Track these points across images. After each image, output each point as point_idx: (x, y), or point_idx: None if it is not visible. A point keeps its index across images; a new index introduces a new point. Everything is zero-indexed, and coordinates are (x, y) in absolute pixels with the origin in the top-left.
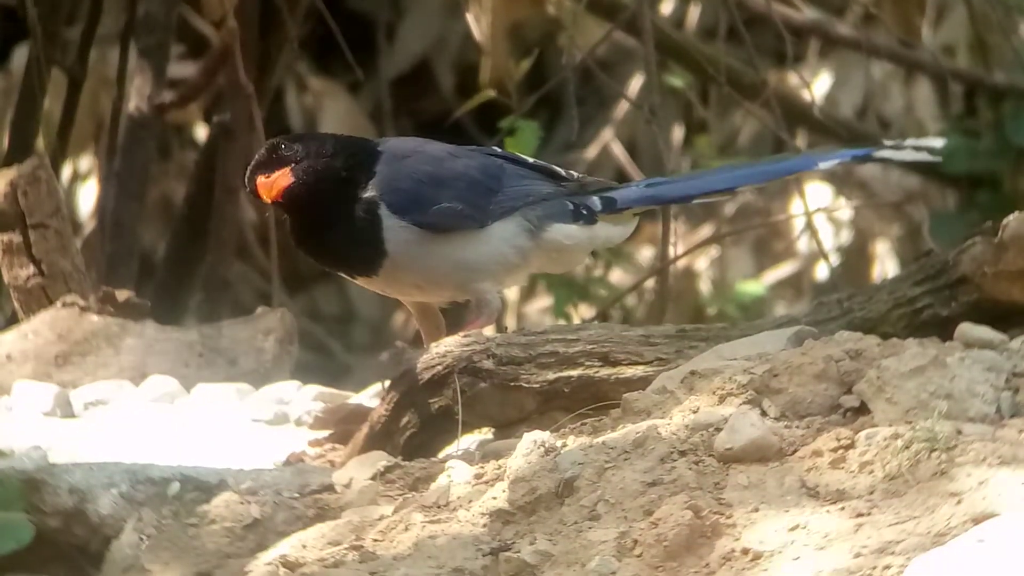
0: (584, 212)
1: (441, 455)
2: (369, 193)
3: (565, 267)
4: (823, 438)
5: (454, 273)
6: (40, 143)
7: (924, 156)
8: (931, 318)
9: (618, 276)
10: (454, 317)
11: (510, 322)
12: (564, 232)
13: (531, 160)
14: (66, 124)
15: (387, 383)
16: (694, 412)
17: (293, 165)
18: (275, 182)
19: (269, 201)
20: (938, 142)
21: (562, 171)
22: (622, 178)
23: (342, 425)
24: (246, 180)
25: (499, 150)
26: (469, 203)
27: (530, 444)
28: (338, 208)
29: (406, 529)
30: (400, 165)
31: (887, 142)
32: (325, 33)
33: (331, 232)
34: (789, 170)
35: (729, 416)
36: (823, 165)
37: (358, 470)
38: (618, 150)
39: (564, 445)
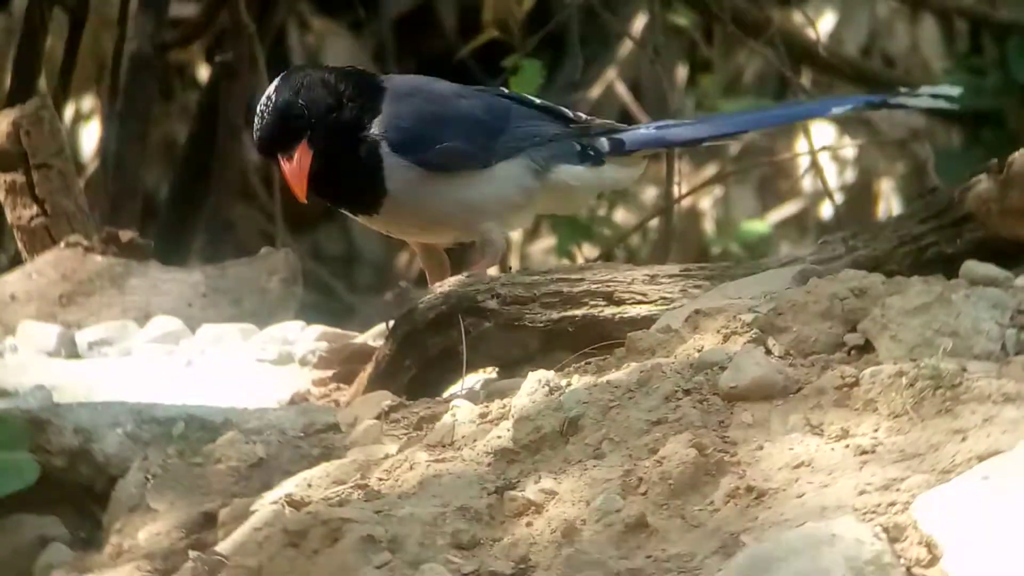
0: (591, 154)
1: (445, 395)
2: (372, 131)
3: (571, 209)
4: (827, 376)
5: (457, 213)
6: (42, 84)
7: (941, 103)
8: (936, 256)
9: (622, 216)
10: (459, 258)
11: (514, 262)
12: (571, 173)
13: (538, 101)
14: (68, 64)
15: (391, 323)
16: (699, 351)
17: (309, 134)
18: (300, 167)
19: (303, 193)
20: (955, 90)
21: (569, 112)
22: (626, 118)
23: (346, 365)
24: (258, 144)
25: (506, 91)
26: (473, 143)
27: (534, 383)
28: (342, 147)
29: (411, 468)
30: (403, 104)
31: (903, 89)
32: None
33: (333, 170)
34: (802, 115)
35: (734, 355)
36: (837, 110)
37: (363, 410)
38: (622, 90)
39: (568, 384)
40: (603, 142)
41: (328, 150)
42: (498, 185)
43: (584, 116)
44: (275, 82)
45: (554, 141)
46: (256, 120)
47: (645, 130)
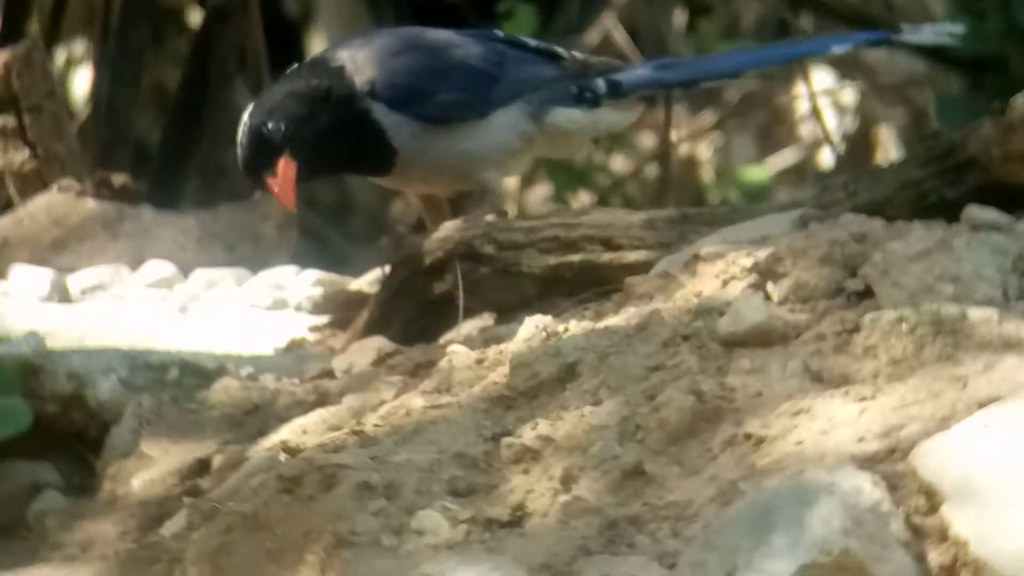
0: (588, 96)
1: (442, 340)
2: (365, 95)
3: (568, 152)
4: (827, 322)
5: (458, 164)
6: (33, 26)
7: (944, 39)
8: (937, 201)
9: (619, 163)
10: (457, 206)
11: (510, 210)
12: (567, 116)
13: (533, 43)
14: (59, 7)
15: (387, 268)
16: (697, 296)
17: (288, 148)
18: (284, 179)
19: (291, 203)
20: (957, 27)
21: (565, 53)
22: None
23: (342, 311)
24: (243, 172)
25: (500, 34)
26: (470, 92)
27: (532, 329)
28: (335, 130)
29: (407, 414)
30: (395, 60)
31: (905, 26)
32: None
33: (335, 150)
34: (802, 53)
35: (732, 300)
36: (836, 48)
37: (358, 355)
38: (619, 35)
39: (566, 330)
40: (600, 83)
41: (319, 145)
42: (496, 134)
43: (579, 55)
44: (249, 107)
45: (550, 85)
46: (237, 148)
47: (643, 70)
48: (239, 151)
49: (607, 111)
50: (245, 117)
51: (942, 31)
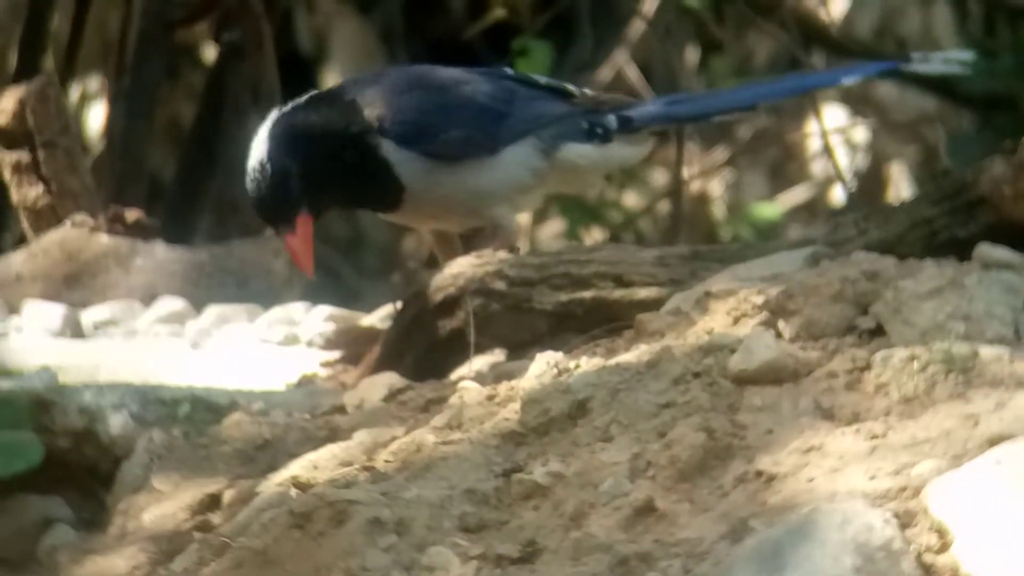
0: (599, 131)
1: (453, 376)
2: (374, 133)
3: (579, 188)
4: (838, 360)
5: (468, 201)
6: (48, 62)
7: (954, 68)
8: (949, 239)
9: (631, 199)
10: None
11: (523, 246)
12: (578, 152)
13: (543, 80)
14: (74, 43)
15: (399, 304)
16: (708, 333)
17: (307, 199)
18: (303, 241)
19: (310, 269)
20: (966, 54)
21: (575, 89)
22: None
23: (353, 346)
24: (256, 212)
25: (510, 71)
26: (479, 130)
27: (543, 365)
28: (346, 170)
29: (418, 450)
30: (403, 98)
31: (915, 55)
32: None
33: (344, 186)
34: (812, 85)
35: (744, 337)
36: (847, 80)
37: (370, 391)
38: (632, 71)
39: (577, 366)
40: (611, 119)
41: (331, 183)
42: (507, 170)
43: (590, 92)
44: (263, 139)
45: (561, 121)
46: (250, 185)
47: (654, 105)
48: (254, 194)
49: (618, 146)
50: (260, 154)
51: (952, 59)
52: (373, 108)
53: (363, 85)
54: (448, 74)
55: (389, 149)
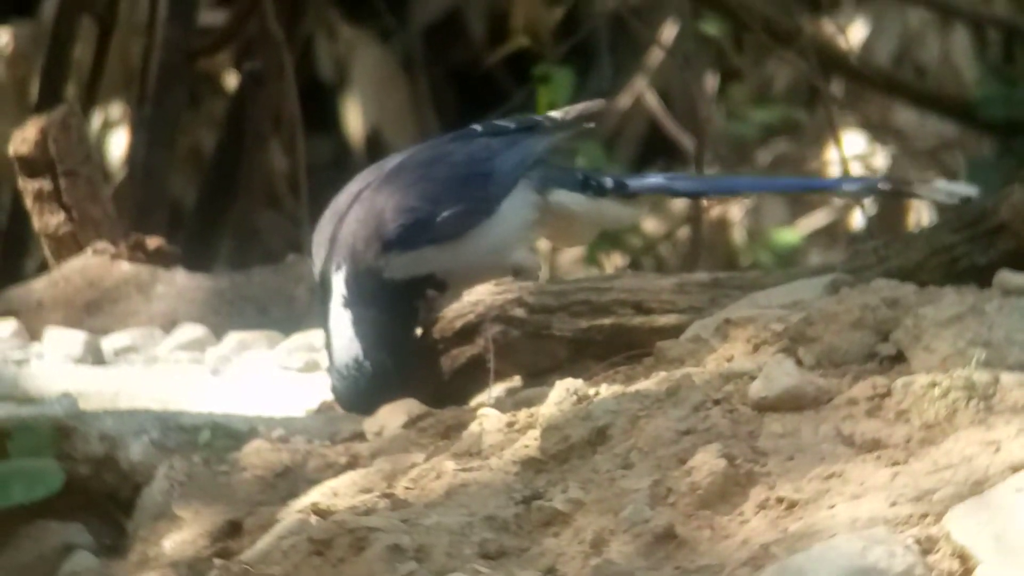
0: (592, 183)
1: (473, 403)
2: (376, 255)
3: (572, 238)
4: (859, 387)
5: (486, 261)
6: (70, 91)
7: (953, 200)
8: (969, 266)
9: (651, 225)
10: None
11: (542, 271)
12: (571, 198)
13: (512, 125)
14: (96, 72)
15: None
16: (728, 360)
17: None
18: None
19: None
20: (971, 189)
21: (541, 118)
22: (655, 128)
23: None
24: (345, 404)
25: (479, 128)
26: (469, 200)
27: (563, 392)
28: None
29: (438, 477)
30: (383, 213)
31: (916, 183)
32: None
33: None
34: (815, 187)
35: (764, 365)
36: (847, 187)
37: (389, 418)
38: (651, 99)
39: (597, 393)
40: (607, 179)
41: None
42: (509, 223)
43: (559, 114)
44: (348, 337)
45: (549, 164)
46: (346, 381)
47: (654, 179)
48: (351, 388)
49: (611, 203)
50: (355, 352)
51: (955, 192)
52: (371, 244)
53: (345, 213)
54: (414, 159)
55: (399, 264)
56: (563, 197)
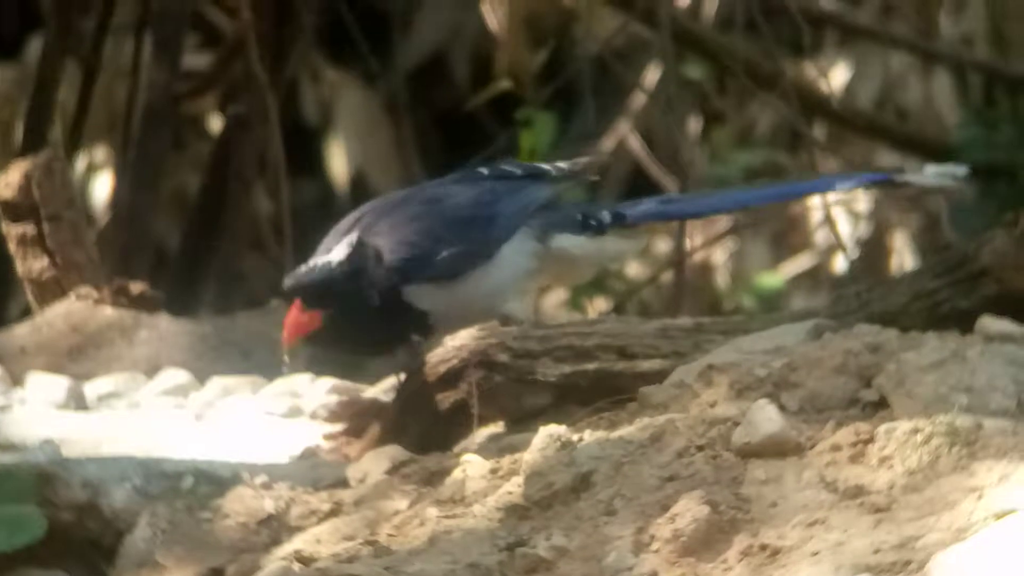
0: (593, 223)
1: (456, 449)
2: (376, 275)
3: (574, 279)
4: (842, 432)
5: (478, 306)
6: (55, 134)
7: (947, 181)
8: (951, 311)
9: (635, 269)
10: None
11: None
12: (572, 242)
13: (519, 171)
14: (81, 115)
15: (402, 376)
16: (711, 406)
17: (333, 306)
18: (304, 324)
19: (291, 343)
20: (961, 169)
21: (548, 167)
22: (639, 171)
23: (357, 419)
24: (289, 287)
25: (485, 170)
26: (470, 241)
27: (546, 438)
28: (359, 313)
29: (421, 524)
30: (391, 235)
31: (907, 170)
32: (340, 24)
33: (360, 333)
34: (808, 191)
35: (747, 410)
36: (841, 186)
37: (373, 464)
38: (634, 142)
39: (580, 439)
40: (605, 214)
41: (346, 319)
42: (508, 268)
43: (564, 165)
44: (347, 244)
45: (549, 208)
46: (306, 266)
47: (648, 204)
48: (304, 271)
49: (612, 240)
50: (340, 254)
51: (944, 173)
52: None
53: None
54: (424, 193)
55: (399, 286)
56: (564, 242)
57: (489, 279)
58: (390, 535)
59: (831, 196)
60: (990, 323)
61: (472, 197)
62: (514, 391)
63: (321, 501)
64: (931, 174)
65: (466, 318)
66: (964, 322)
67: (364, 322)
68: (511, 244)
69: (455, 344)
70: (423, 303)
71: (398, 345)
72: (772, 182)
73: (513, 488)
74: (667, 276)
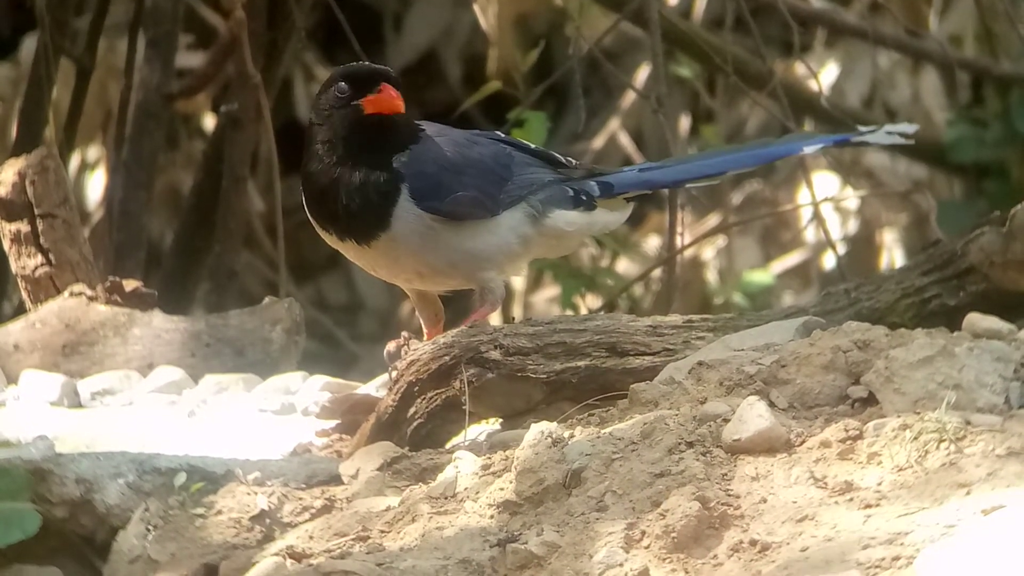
0: (584, 198)
1: (448, 446)
2: (397, 168)
3: (563, 252)
4: (831, 429)
5: (462, 263)
6: (49, 133)
7: (897, 140)
8: (939, 308)
9: (625, 266)
10: (456, 305)
11: (517, 312)
12: (565, 219)
13: (533, 146)
14: (74, 114)
15: (394, 373)
16: (702, 403)
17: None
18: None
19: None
20: (910, 128)
21: (562, 158)
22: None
23: (349, 415)
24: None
25: (503, 136)
26: (484, 192)
27: (537, 435)
28: (361, 169)
29: (413, 520)
30: (430, 148)
31: (861, 128)
32: (333, 23)
33: (341, 189)
34: (776, 155)
35: (737, 407)
36: (807, 150)
37: (365, 461)
38: (625, 140)
39: (571, 436)
40: (593, 185)
41: (347, 164)
42: (501, 234)
43: (575, 161)
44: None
45: (548, 187)
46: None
47: (630, 172)
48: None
49: (601, 212)
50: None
51: (895, 131)
52: (404, 150)
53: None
54: (460, 133)
55: (402, 193)
56: (558, 220)
57: (482, 237)
58: (382, 531)
59: (805, 151)
60: (978, 320)
61: (494, 153)
62: (506, 388)
63: (314, 497)
64: (883, 133)
65: (439, 266)
66: (952, 319)
67: (357, 183)
68: (511, 213)
69: (447, 341)
70: (402, 224)
71: (355, 233)
72: (745, 146)
73: (505, 484)
74: (657, 273)
